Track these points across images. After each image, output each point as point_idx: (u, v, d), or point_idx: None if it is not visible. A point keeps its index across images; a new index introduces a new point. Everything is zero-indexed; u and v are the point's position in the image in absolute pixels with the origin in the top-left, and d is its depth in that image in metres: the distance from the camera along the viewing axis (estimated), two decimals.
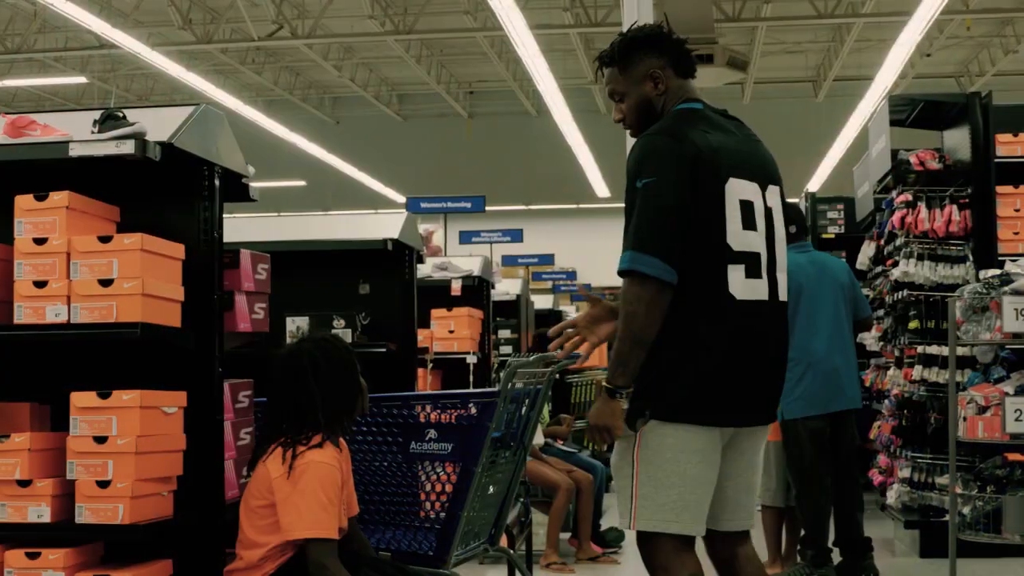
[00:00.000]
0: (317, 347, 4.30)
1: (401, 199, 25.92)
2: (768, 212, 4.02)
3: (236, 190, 4.49)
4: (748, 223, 3.92)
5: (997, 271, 7.15)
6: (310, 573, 3.97)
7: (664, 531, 3.90)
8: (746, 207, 3.92)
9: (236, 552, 4.15)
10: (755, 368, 3.97)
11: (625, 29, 4.43)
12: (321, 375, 4.24)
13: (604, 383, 3.91)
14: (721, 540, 4.12)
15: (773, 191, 4.09)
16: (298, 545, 4.06)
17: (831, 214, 13.64)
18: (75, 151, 3.94)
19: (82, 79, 26.00)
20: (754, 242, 3.93)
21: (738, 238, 3.89)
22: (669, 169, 3.85)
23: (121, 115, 4.01)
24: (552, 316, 14.36)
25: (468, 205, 22.19)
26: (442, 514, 4.77)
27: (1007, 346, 7.48)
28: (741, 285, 3.89)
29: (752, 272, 3.92)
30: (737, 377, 3.92)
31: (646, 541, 3.96)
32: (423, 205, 21.90)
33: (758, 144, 4.17)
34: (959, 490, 7.06)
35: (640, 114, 4.14)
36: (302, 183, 30.99)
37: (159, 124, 4.05)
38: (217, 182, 4.25)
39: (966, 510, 7.10)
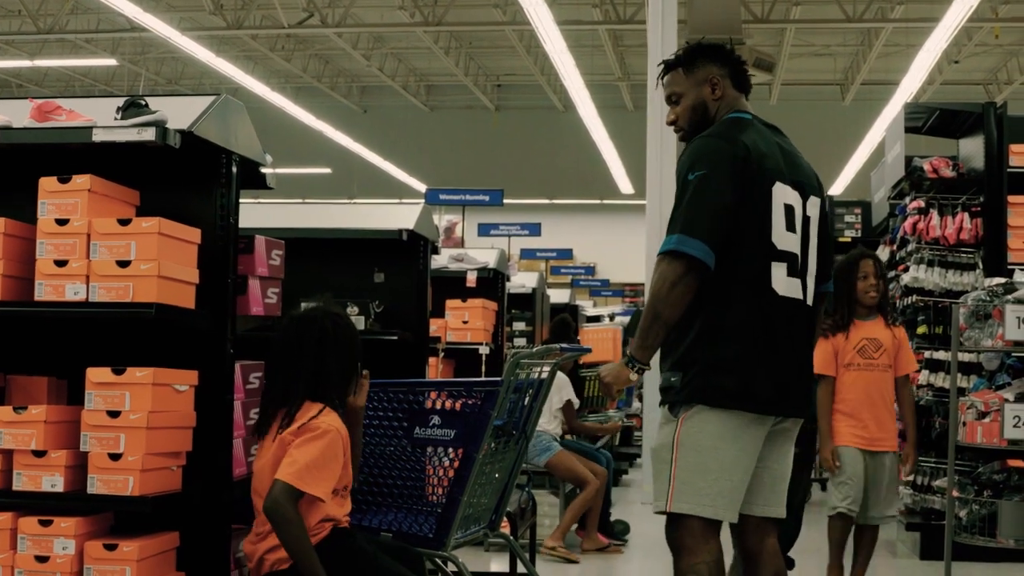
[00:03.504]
0: (328, 318, 4.39)
1: (425, 189, 26.08)
2: (806, 220, 4.27)
3: (253, 178, 4.63)
4: (790, 226, 4.17)
5: (1003, 279, 7.26)
6: (264, 507, 4.06)
7: (700, 515, 4.07)
8: (789, 211, 4.18)
9: (264, 528, 4.21)
10: (792, 361, 4.19)
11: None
12: (327, 345, 4.34)
13: (628, 351, 4.13)
14: (751, 528, 4.29)
15: (814, 202, 4.33)
16: (331, 527, 4.22)
17: (848, 218, 13.75)
18: (98, 136, 4.08)
19: (112, 61, 26.23)
20: (794, 244, 4.19)
21: (782, 238, 4.14)
22: (721, 167, 4.08)
23: (143, 103, 4.15)
24: (569, 310, 14.47)
25: (486, 198, 22.32)
26: (443, 498, 4.90)
27: (1013, 354, 7.58)
28: (784, 282, 4.15)
29: (792, 271, 4.18)
30: (780, 368, 4.13)
31: (675, 523, 4.12)
32: (442, 197, 22.04)
33: (801, 157, 4.40)
34: (957, 494, 7.17)
35: (694, 115, 4.38)
36: (327, 170, 31.18)
37: (180, 112, 4.19)
38: (235, 169, 4.39)
39: (963, 514, 7.21)
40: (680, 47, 4.49)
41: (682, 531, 4.10)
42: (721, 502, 4.07)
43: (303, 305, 4.59)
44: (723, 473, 4.06)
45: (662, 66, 4.49)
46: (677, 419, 4.11)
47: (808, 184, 4.31)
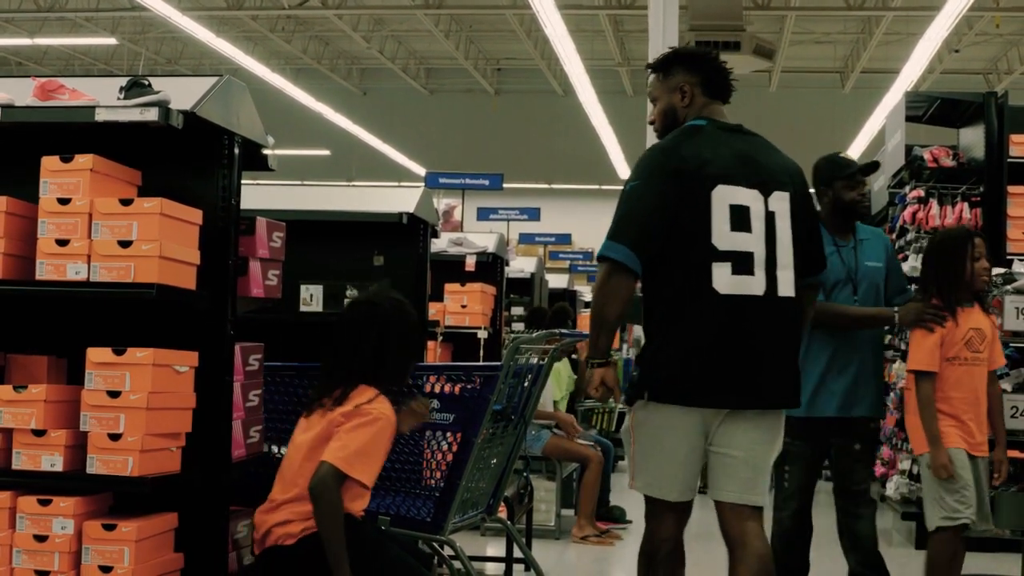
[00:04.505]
0: (394, 307, 4.40)
1: (424, 172, 26.04)
2: (770, 215, 4.36)
3: (255, 159, 4.63)
4: (739, 226, 4.28)
5: (1002, 269, 7.24)
6: (310, 486, 4.06)
7: (649, 494, 4.44)
8: (738, 211, 4.29)
9: (282, 499, 4.19)
10: (739, 356, 4.28)
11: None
12: (390, 332, 4.33)
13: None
14: (728, 515, 4.45)
15: (780, 196, 4.41)
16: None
17: None
18: (101, 116, 4.08)
19: (112, 40, 26.17)
20: (745, 242, 4.29)
21: (725, 239, 4.26)
22: (653, 178, 4.33)
23: (146, 83, 4.15)
24: (567, 296, 14.50)
25: (486, 182, 22.30)
26: (441, 482, 4.91)
27: (1011, 344, 7.57)
28: (728, 281, 4.26)
29: (741, 269, 4.27)
30: (718, 363, 4.27)
31: (645, 500, 4.49)
32: (441, 180, 22.02)
33: (770, 154, 4.51)
34: None
35: (664, 119, 4.63)
36: (327, 152, 31.14)
37: (183, 93, 4.18)
38: (237, 151, 4.38)
39: None
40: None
41: (646, 508, 4.50)
42: (665, 483, 4.39)
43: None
44: (664, 458, 4.37)
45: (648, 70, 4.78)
46: (633, 410, 4.45)
47: (773, 180, 4.41)
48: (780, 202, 4.39)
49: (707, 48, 4.97)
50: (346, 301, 4.48)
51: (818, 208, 5.71)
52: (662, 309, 4.32)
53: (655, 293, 4.36)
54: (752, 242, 4.29)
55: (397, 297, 4.48)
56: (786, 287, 4.37)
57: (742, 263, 4.27)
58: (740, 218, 4.28)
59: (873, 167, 6.38)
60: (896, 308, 5.81)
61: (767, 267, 4.31)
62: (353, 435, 4.11)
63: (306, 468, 4.16)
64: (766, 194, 4.35)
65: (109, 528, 3.99)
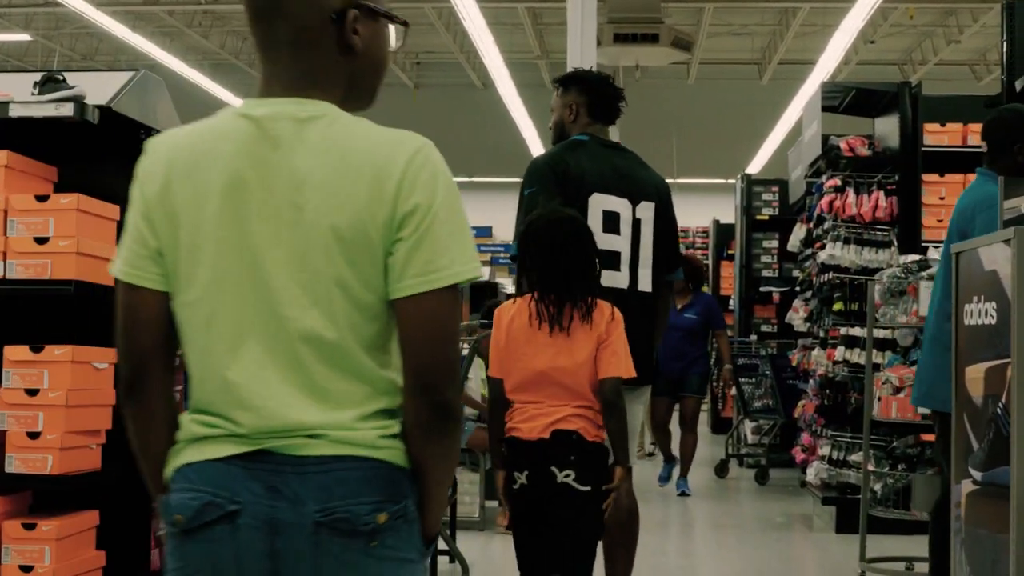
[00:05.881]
0: (581, 218, 4.57)
1: None
2: (637, 222, 5.05)
3: None
4: (610, 228, 4.95)
5: (917, 256, 7.36)
6: (604, 401, 4.32)
7: None
8: (609, 216, 4.97)
9: (575, 404, 4.32)
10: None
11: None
12: (593, 243, 4.47)
13: None
14: None
15: (646, 206, 5.11)
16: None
17: (766, 196, 13.91)
18: (15, 112, 4.04)
19: (25, 36, 25.80)
20: (614, 243, 4.94)
21: (598, 239, 4.69)
22: (544, 182, 4.95)
23: (61, 78, 4.11)
24: (487, 289, 14.51)
25: None
26: None
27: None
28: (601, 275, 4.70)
29: (610, 266, 4.86)
30: None
31: None
32: None
33: (640, 170, 5.22)
34: (872, 468, 7.29)
35: (555, 130, 5.34)
36: None
37: (99, 88, 4.15)
38: None
39: (878, 487, 7.33)
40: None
41: None
42: None
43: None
44: None
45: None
46: None
47: (640, 191, 5.09)
48: (646, 211, 5.08)
49: (606, 75, 5.54)
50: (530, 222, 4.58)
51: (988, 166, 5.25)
52: None
53: None
54: (620, 243, 4.96)
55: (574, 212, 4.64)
56: (644, 283, 5.06)
57: (611, 261, 4.87)
58: (611, 222, 4.95)
59: None
60: None
61: (631, 265, 4.99)
62: (620, 345, 4.35)
63: (588, 379, 4.33)
64: (634, 203, 5.04)
65: (29, 527, 3.96)
